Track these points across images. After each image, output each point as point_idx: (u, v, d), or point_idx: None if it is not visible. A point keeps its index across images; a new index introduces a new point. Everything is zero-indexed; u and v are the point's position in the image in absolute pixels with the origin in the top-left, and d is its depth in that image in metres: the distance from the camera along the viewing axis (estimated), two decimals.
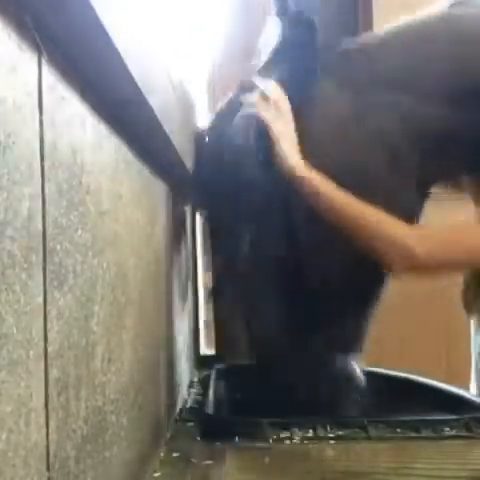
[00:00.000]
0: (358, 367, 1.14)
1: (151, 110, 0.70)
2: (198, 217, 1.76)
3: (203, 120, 1.56)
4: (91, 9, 0.45)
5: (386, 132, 1.03)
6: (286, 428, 1.02)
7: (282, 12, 1.07)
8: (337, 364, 1.12)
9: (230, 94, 1.23)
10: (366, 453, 0.96)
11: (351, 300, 1.10)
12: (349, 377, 1.12)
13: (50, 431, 0.45)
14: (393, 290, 1.21)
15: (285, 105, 1.04)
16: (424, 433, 1.00)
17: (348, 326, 1.14)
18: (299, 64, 1.06)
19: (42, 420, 0.44)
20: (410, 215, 1.04)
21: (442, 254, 0.95)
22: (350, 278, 1.07)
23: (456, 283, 1.28)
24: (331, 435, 1.00)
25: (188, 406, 1.24)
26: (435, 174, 1.08)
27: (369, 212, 0.96)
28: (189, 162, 1.10)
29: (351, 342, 1.16)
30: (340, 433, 1.01)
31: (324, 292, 1.08)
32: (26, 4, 0.43)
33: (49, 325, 0.46)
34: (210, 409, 1.10)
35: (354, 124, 1.05)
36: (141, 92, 0.63)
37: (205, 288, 1.92)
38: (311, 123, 1.06)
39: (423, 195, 1.09)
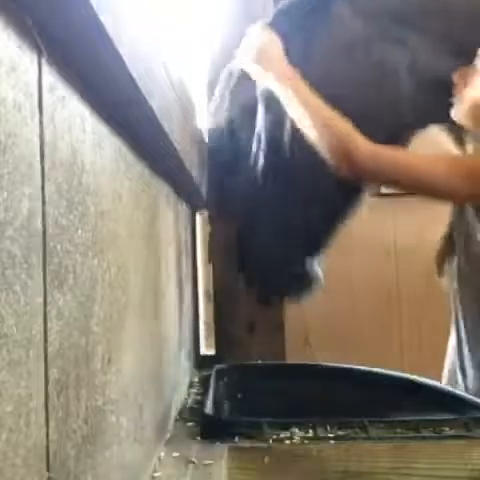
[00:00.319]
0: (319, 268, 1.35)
1: (151, 110, 0.70)
2: (198, 217, 1.76)
3: (203, 120, 1.57)
4: (91, 9, 0.45)
5: (390, 64, 1.07)
6: (286, 428, 1.02)
7: None
8: (306, 265, 1.31)
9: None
10: (366, 453, 0.96)
11: (323, 217, 1.29)
12: (314, 276, 1.33)
13: (50, 431, 0.45)
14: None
15: (273, 47, 1.15)
16: (424, 433, 1.00)
17: (319, 238, 1.35)
18: None
19: (42, 420, 0.44)
20: (393, 142, 1.12)
21: (377, 163, 1.08)
22: (322, 199, 1.25)
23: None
24: (331, 435, 1.00)
25: (188, 406, 1.24)
26: (429, 113, 1.14)
27: (334, 117, 1.10)
28: (189, 162, 1.10)
29: (318, 250, 1.36)
30: (340, 433, 1.01)
31: (304, 210, 1.27)
32: (26, 4, 0.43)
33: (49, 325, 0.46)
34: (210, 409, 1.10)
35: (361, 50, 1.09)
36: (141, 92, 0.63)
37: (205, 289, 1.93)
38: (320, 41, 1.11)
39: (410, 131, 1.18)
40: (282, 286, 1.36)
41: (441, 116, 1.14)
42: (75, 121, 0.54)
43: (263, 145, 1.24)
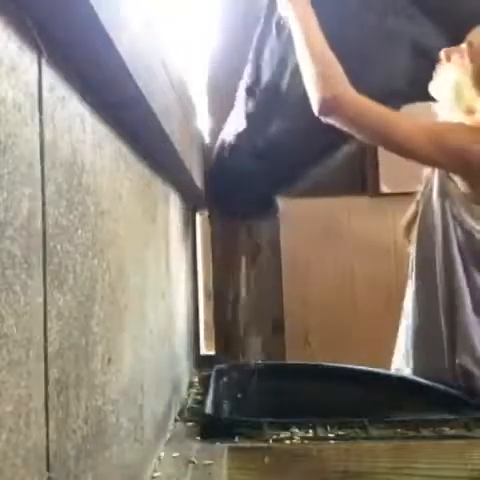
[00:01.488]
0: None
1: (151, 110, 0.70)
2: (198, 217, 1.76)
3: (203, 120, 1.57)
4: (91, 10, 0.45)
5: (397, 32, 1.15)
6: (286, 428, 1.02)
7: None
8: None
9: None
10: (366, 453, 0.96)
11: (300, 157, 1.39)
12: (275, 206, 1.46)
13: (50, 431, 0.45)
14: None
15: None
16: (424, 433, 1.00)
17: (291, 175, 1.44)
18: None
19: (42, 420, 0.44)
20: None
21: (357, 110, 1.15)
22: (304, 141, 1.34)
23: None
24: (331, 435, 1.00)
25: (188, 406, 1.24)
26: (420, 88, 1.19)
27: (333, 60, 1.17)
28: (189, 162, 1.10)
29: (287, 185, 1.46)
30: (340, 433, 1.01)
31: (285, 146, 1.37)
32: (26, 5, 0.43)
33: (49, 325, 0.46)
34: (210, 409, 1.10)
35: (375, 13, 1.19)
36: (141, 92, 0.63)
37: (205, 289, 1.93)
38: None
39: (399, 99, 1.24)
40: (248, 208, 1.48)
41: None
42: (75, 121, 0.54)
43: (265, 74, 1.32)
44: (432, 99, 1.24)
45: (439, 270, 1.28)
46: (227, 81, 1.74)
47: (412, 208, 1.47)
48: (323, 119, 1.17)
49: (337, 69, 1.16)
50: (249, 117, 1.37)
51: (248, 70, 1.38)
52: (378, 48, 1.15)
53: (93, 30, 0.48)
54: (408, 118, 1.19)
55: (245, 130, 1.37)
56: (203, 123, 1.71)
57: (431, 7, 1.12)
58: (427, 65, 1.13)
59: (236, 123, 1.40)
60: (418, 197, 1.41)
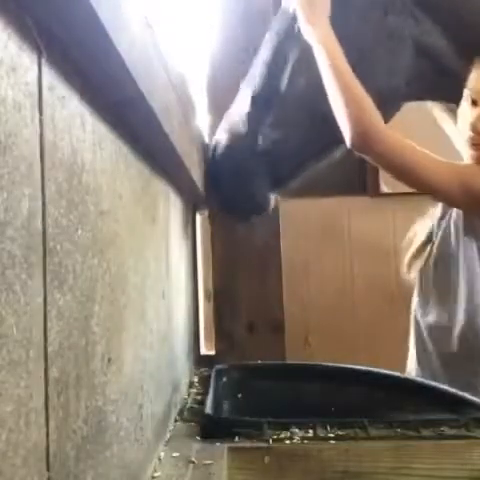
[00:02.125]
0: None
1: (151, 110, 0.70)
2: (198, 217, 1.76)
3: (203, 119, 1.57)
4: (91, 9, 0.45)
5: (400, 32, 1.15)
6: (286, 428, 1.02)
7: None
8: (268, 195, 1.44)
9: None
10: (366, 453, 0.96)
11: (298, 154, 1.38)
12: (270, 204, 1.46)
13: (50, 431, 0.45)
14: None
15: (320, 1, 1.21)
16: (424, 433, 1.00)
17: (288, 172, 1.43)
18: None
19: (42, 420, 0.44)
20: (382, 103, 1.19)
21: (388, 151, 1.16)
22: (304, 137, 1.34)
23: None
24: (331, 435, 1.00)
25: (188, 406, 1.24)
26: (421, 88, 1.23)
27: (363, 93, 1.16)
28: (189, 162, 1.10)
29: (284, 183, 1.45)
30: (340, 433, 1.01)
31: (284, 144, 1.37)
32: (26, 4, 0.43)
33: (49, 325, 0.46)
34: (210, 409, 1.10)
35: (379, 11, 1.18)
36: (141, 92, 0.63)
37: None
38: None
39: (399, 98, 1.25)
40: (246, 207, 1.48)
41: (434, 95, 1.21)
42: (75, 121, 0.54)
43: (268, 69, 1.32)
44: (432, 98, 1.25)
45: (460, 294, 1.31)
46: (227, 81, 1.74)
47: (419, 240, 1.52)
48: (355, 152, 1.18)
49: (367, 102, 1.15)
50: (249, 116, 1.37)
51: (254, 76, 1.36)
52: (379, 46, 1.15)
53: (93, 30, 0.48)
54: (437, 158, 1.19)
55: (244, 128, 1.37)
56: (203, 123, 1.71)
57: (431, 6, 1.11)
58: (428, 64, 1.13)
59: (235, 121, 1.40)
60: (429, 228, 1.45)
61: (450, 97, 1.20)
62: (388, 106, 1.21)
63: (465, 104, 1.18)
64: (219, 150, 1.45)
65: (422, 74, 1.15)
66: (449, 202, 1.26)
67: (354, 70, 1.15)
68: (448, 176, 1.15)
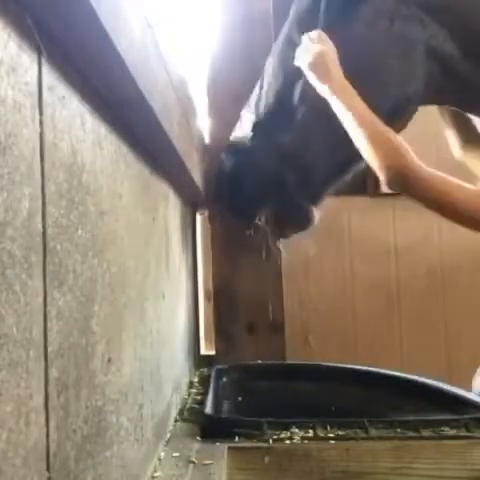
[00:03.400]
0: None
1: (151, 111, 0.70)
2: (198, 217, 1.76)
3: (203, 120, 1.56)
4: (91, 10, 0.45)
5: (409, 38, 1.14)
6: (286, 428, 1.02)
7: None
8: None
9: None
10: (366, 453, 0.96)
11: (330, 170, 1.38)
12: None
13: (50, 431, 0.45)
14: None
15: (330, 56, 1.17)
16: (424, 433, 1.00)
17: (321, 188, 1.44)
18: None
19: (42, 420, 0.44)
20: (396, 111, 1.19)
21: (424, 188, 1.16)
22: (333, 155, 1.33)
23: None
24: (331, 435, 1.00)
25: (188, 406, 1.24)
26: (432, 93, 1.21)
27: (389, 134, 1.15)
28: (189, 162, 1.10)
29: (318, 198, 1.46)
30: (340, 433, 1.01)
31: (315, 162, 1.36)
32: (26, 4, 0.43)
33: (49, 325, 0.46)
34: (210, 409, 1.10)
35: (386, 20, 1.16)
36: (141, 93, 0.63)
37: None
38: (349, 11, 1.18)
39: (413, 104, 1.23)
40: (293, 222, 1.47)
41: (442, 99, 1.20)
42: (75, 121, 0.54)
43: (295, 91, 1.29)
44: (439, 102, 1.24)
45: None
46: (227, 82, 1.74)
47: None
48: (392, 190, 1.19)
49: (394, 141, 1.15)
50: (260, 131, 1.35)
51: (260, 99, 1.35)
52: (391, 54, 1.15)
53: (93, 30, 0.49)
54: (469, 188, 1.20)
55: (258, 143, 1.35)
56: (203, 123, 1.71)
57: (437, 9, 1.11)
58: (437, 67, 1.13)
59: (245, 135, 1.38)
60: None
61: (457, 101, 1.19)
62: (405, 113, 1.21)
63: None
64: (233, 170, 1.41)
65: (431, 78, 1.14)
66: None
67: (368, 83, 1.13)
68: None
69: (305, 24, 1.21)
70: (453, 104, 1.20)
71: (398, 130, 1.36)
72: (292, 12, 1.27)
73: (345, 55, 1.14)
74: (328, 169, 1.34)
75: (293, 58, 1.23)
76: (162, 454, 0.93)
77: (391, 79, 1.16)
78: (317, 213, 1.47)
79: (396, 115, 1.17)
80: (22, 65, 0.43)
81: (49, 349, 0.46)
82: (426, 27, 1.11)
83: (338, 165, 1.34)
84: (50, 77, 0.48)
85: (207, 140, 1.72)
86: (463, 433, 1.00)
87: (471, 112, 1.21)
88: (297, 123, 1.28)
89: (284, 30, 1.29)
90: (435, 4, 1.10)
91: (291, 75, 1.27)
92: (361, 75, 1.14)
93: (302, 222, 1.45)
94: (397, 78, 1.16)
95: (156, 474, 0.85)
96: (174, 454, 0.93)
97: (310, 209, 1.42)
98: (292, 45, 1.24)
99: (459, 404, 1.14)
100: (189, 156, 1.10)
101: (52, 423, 0.46)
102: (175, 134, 0.89)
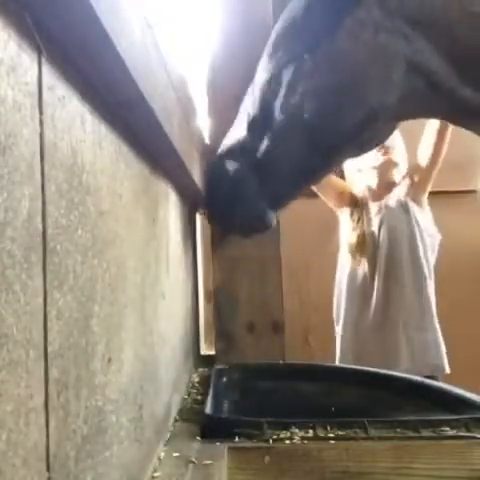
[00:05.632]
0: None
1: (151, 110, 0.70)
2: (198, 217, 1.76)
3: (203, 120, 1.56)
4: (91, 9, 0.45)
5: (392, 50, 1.13)
6: (286, 428, 1.02)
7: None
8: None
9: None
10: (366, 453, 0.96)
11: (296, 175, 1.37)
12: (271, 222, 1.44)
13: (50, 431, 0.45)
14: None
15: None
16: (424, 433, 1.00)
17: (287, 193, 1.43)
18: None
19: (42, 420, 0.44)
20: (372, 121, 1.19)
21: None
22: (302, 160, 1.32)
23: None
24: (331, 435, 1.00)
25: (188, 406, 1.24)
26: (414, 106, 1.21)
27: None
28: (189, 162, 1.10)
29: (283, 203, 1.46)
30: (340, 433, 1.01)
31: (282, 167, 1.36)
32: (26, 4, 0.43)
33: (49, 325, 0.46)
34: (210, 409, 1.10)
35: (369, 31, 1.16)
36: (141, 92, 0.63)
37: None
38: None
39: (392, 117, 1.24)
40: (246, 225, 1.47)
41: (428, 113, 1.21)
42: (75, 121, 0.54)
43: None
44: (426, 116, 1.25)
45: None
46: (227, 82, 1.74)
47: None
48: None
49: None
50: (245, 138, 1.37)
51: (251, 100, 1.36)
52: (372, 63, 1.15)
53: (93, 30, 0.49)
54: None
55: (243, 147, 1.37)
56: (203, 123, 1.71)
57: (421, 23, 1.11)
58: (421, 81, 1.12)
59: (232, 143, 1.41)
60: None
61: (444, 114, 1.20)
62: (383, 124, 1.22)
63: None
64: (216, 170, 1.46)
65: (415, 92, 1.14)
66: None
67: (349, 89, 1.15)
68: None
69: (291, 35, 1.21)
70: (443, 117, 1.20)
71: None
72: (276, 28, 1.27)
73: (329, 67, 1.15)
74: (295, 177, 1.35)
75: (272, 79, 1.25)
76: (162, 454, 0.93)
77: (370, 88, 1.17)
78: (275, 217, 1.49)
79: (368, 124, 1.18)
80: (22, 65, 0.43)
81: (49, 349, 0.46)
82: (411, 41, 1.11)
83: (305, 174, 1.36)
84: (50, 77, 0.48)
85: (207, 140, 1.72)
86: (463, 433, 1.00)
87: (460, 125, 1.21)
88: (268, 133, 1.30)
89: (268, 44, 1.29)
90: (421, 19, 1.09)
91: (267, 99, 1.27)
92: (344, 86, 1.15)
93: (258, 226, 1.47)
94: (376, 88, 1.16)
95: (156, 474, 0.85)
96: (174, 454, 0.93)
97: (268, 214, 1.44)
98: (274, 62, 1.25)
99: (459, 404, 1.14)
100: (189, 156, 1.10)
101: (52, 423, 0.46)
102: (175, 134, 0.89)
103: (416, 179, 2.30)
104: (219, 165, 1.40)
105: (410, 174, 2.30)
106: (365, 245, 2.24)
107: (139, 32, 0.63)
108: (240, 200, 1.40)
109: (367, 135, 1.22)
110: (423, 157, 2.26)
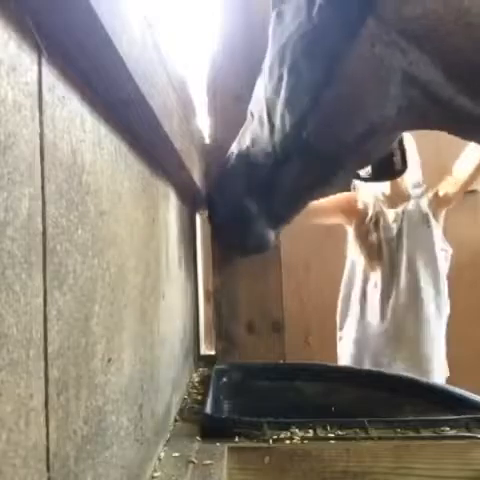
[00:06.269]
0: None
1: (151, 110, 0.70)
2: (198, 217, 1.76)
3: (203, 120, 1.56)
4: (91, 9, 0.45)
5: (387, 62, 1.12)
6: (286, 428, 1.02)
7: None
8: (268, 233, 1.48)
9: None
10: (366, 453, 0.96)
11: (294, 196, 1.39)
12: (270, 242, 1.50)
13: (50, 431, 0.45)
14: None
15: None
16: (424, 433, 1.00)
17: (286, 214, 1.46)
18: None
19: (42, 420, 0.44)
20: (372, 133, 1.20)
21: None
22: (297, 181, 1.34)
23: None
24: (331, 435, 1.00)
25: (188, 406, 1.24)
26: (410, 117, 1.20)
27: None
28: (189, 162, 1.10)
29: (282, 224, 1.50)
30: (340, 433, 1.01)
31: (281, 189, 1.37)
32: (26, 4, 0.43)
33: (49, 325, 0.46)
34: (210, 409, 1.10)
35: (365, 43, 1.13)
36: (141, 92, 0.63)
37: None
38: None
39: (391, 129, 1.24)
40: (245, 244, 1.53)
41: (426, 124, 1.21)
42: (75, 121, 0.54)
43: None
44: (425, 127, 1.24)
45: None
46: (227, 82, 1.74)
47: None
48: None
49: None
50: (242, 154, 1.38)
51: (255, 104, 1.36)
52: (369, 76, 1.15)
53: (93, 30, 0.49)
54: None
55: (246, 162, 1.37)
56: (203, 123, 1.71)
57: (416, 36, 1.10)
58: (418, 93, 1.12)
59: (231, 159, 1.41)
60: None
61: (443, 125, 1.19)
62: (382, 136, 1.22)
63: None
64: (217, 189, 1.47)
65: (413, 103, 1.14)
66: None
67: (347, 102, 1.15)
68: None
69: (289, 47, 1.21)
70: (442, 128, 1.20)
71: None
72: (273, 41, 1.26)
73: (328, 80, 1.15)
74: (296, 195, 1.36)
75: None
76: (162, 454, 0.93)
77: (367, 101, 1.16)
78: (275, 237, 1.51)
79: (369, 137, 1.18)
80: (22, 65, 0.43)
81: (49, 349, 0.46)
82: (406, 54, 1.10)
83: (306, 191, 1.36)
84: (50, 77, 0.48)
85: (207, 140, 1.72)
86: (463, 433, 1.00)
87: (458, 135, 1.20)
88: (271, 155, 1.30)
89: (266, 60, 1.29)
90: (416, 32, 1.09)
91: (268, 114, 1.28)
92: (343, 99, 1.15)
93: (259, 246, 1.50)
94: (373, 100, 1.16)
95: (156, 474, 0.85)
96: (174, 454, 0.93)
97: (267, 235, 1.46)
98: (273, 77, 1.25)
99: (459, 404, 1.14)
100: (189, 156, 1.10)
101: (52, 423, 0.46)
102: (175, 134, 0.89)
103: (441, 194, 2.20)
104: (221, 185, 1.42)
105: (437, 189, 2.21)
106: (382, 252, 2.18)
107: (139, 32, 0.63)
108: (241, 221, 1.42)
109: (367, 147, 1.22)
110: (459, 171, 2.14)
